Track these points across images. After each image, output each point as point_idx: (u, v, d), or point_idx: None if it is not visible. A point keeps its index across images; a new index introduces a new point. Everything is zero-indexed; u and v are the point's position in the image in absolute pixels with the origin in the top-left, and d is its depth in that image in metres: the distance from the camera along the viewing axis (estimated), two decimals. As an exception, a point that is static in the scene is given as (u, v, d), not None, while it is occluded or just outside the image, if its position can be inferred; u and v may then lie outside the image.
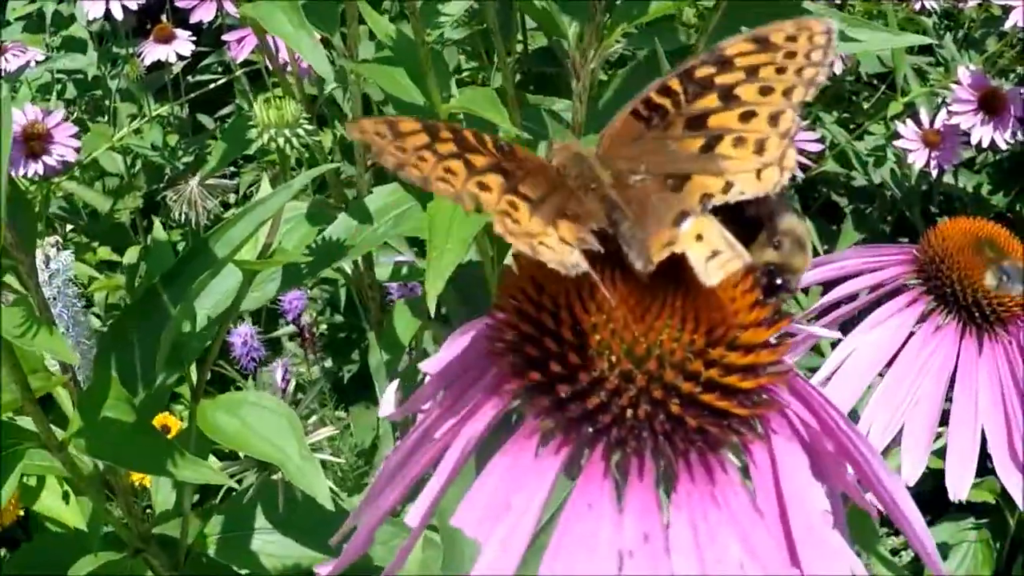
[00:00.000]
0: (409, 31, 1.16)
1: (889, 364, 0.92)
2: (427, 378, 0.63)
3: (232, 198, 2.50)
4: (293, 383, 1.25)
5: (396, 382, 0.67)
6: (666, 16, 1.23)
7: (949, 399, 0.92)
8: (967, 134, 2.13)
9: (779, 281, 0.55)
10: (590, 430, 0.51)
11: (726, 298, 0.53)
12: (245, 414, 1.02)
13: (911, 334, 0.94)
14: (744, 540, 0.50)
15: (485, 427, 0.54)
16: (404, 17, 2.21)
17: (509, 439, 0.52)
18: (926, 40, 1.46)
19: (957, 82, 2.15)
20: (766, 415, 0.54)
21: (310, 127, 1.02)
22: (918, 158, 2.18)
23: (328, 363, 2.42)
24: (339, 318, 2.46)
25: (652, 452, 0.51)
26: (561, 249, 0.53)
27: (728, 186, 0.54)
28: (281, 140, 1.01)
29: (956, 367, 0.92)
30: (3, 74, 2.38)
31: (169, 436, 1.47)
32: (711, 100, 0.57)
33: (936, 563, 0.55)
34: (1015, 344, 0.94)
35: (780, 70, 0.56)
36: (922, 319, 0.95)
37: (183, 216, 2.11)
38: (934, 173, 2.20)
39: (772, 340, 0.54)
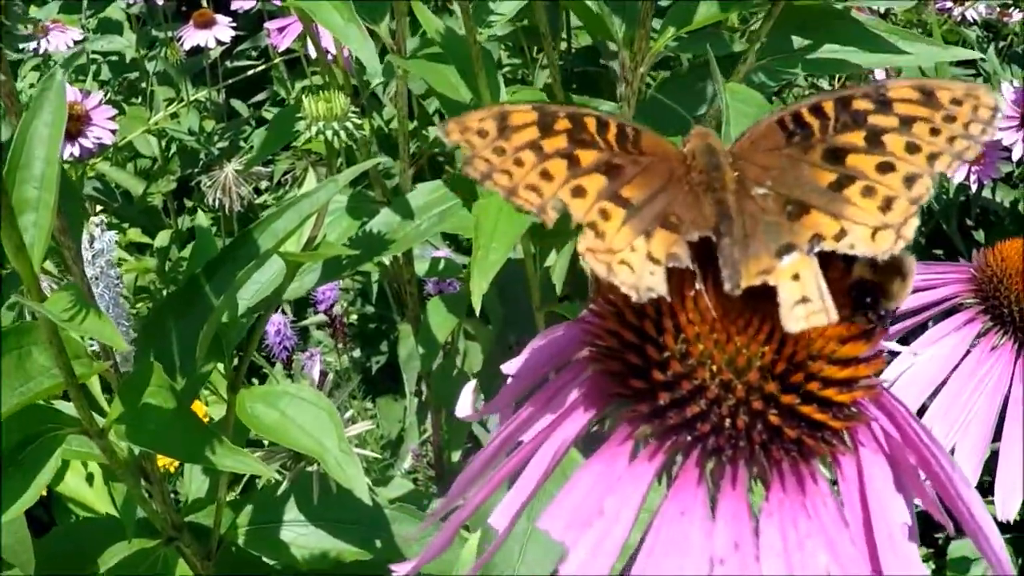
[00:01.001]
0: (457, 27, 1.16)
1: (945, 382, 0.92)
2: (508, 380, 0.63)
3: (264, 185, 2.50)
4: (331, 376, 1.25)
5: (473, 383, 0.67)
6: (714, 22, 1.22)
7: (1003, 418, 0.91)
8: (1008, 150, 2.12)
9: (868, 299, 0.54)
10: (688, 438, 0.51)
11: None
12: (285, 406, 1.02)
13: (967, 352, 0.93)
14: (831, 549, 0.50)
15: (579, 431, 0.54)
16: (447, 10, 2.21)
17: (602, 445, 0.52)
18: (974, 55, 1.45)
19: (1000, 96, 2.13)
20: (854, 428, 0.54)
21: (358, 120, 1.02)
22: (957, 172, 2.17)
23: (357, 353, 2.42)
24: (370, 309, 2.46)
25: (746, 461, 0.52)
26: (641, 269, 0.53)
27: (841, 234, 0.52)
28: (330, 133, 1.01)
29: (1010, 387, 0.92)
30: (46, 53, 2.39)
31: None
32: (857, 137, 0.55)
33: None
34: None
35: (934, 131, 0.54)
36: (978, 338, 0.95)
37: (216, 201, 2.12)
38: (973, 187, 2.19)
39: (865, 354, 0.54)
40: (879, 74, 2.29)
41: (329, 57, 1.43)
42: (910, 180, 0.53)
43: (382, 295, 2.37)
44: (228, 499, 1.21)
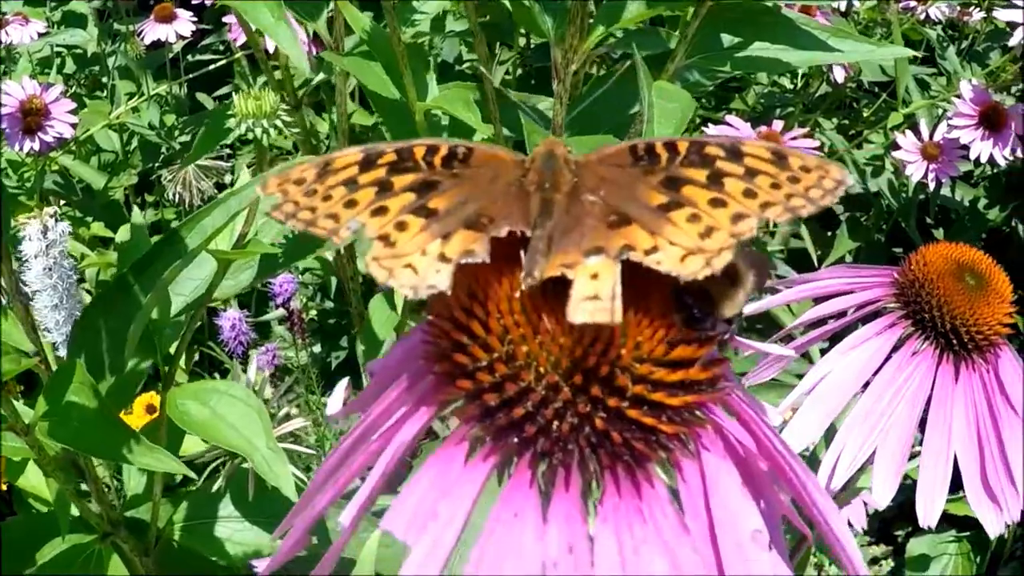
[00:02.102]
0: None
1: (866, 386, 0.92)
2: (371, 379, 0.64)
3: (228, 179, 2.50)
4: (266, 372, 1.25)
5: (345, 380, 0.68)
6: (653, 19, 1.22)
7: (923, 424, 0.91)
8: (966, 148, 2.13)
9: (696, 312, 0.54)
10: (515, 440, 0.52)
11: (658, 315, 0.53)
12: (215, 403, 1.03)
13: (888, 357, 0.93)
14: (670, 555, 0.50)
15: (416, 432, 0.54)
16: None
17: (439, 446, 0.52)
18: (905, 52, 1.44)
19: (959, 96, 2.14)
20: (698, 432, 0.54)
21: (288, 118, 1.02)
22: (916, 170, 2.18)
23: (317, 348, 2.42)
24: (329, 304, 2.47)
25: (578, 464, 0.52)
26: (427, 269, 0.54)
27: (652, 250, 0.53)
28: (258, 131, 1.01)
29: (931, 393, 0.92)
30: (9, 46, 2.39)
31: (153, 417, 1.48)
32: (700, 174, 0.56)
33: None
34: (992, 372, 0.93)
35: (775, 186, 0.55)
36: (900, 343, 0.95)
37: (177, 196, 2.12)
38: (932, 186, 2.20)
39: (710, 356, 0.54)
40: (837, 71, 2.30)
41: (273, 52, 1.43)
42: (737, 218, 0.53)
43: (341, 290, 2.37)
44: (165, 496, 1.21)
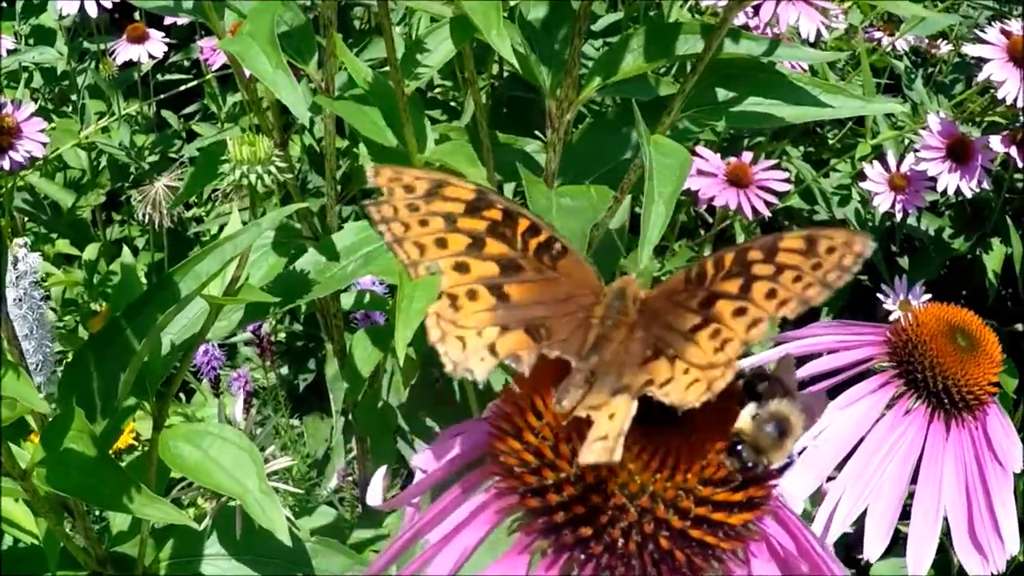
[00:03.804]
0: (381, 50, 1.16)
1: (858, 445, 0.93)
2: (417, 473, 0.64)
3: (193, 199, 2.49)
4: (254, 410, 1.25)
5: (384, 469, 0.68)
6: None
7: (914, 481, 0.93)
8: (934, 180, 2.15)
9: (744, 454, 0.55)
10: (582, 556, 0.53)
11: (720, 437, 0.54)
12: (207, 446, 1.03)
13: (881, 416, 0.95)
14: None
15: (479, 540, 0.56)
16: (379, 31, 2.21)
17: (502, 553, 0.53)
18: (897, 107, 1.47)
19: (927, 128, 2.16)
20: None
21: (283, 164, 1.02)
22: (884, 201, 2.20)
23: (284, 371, 2.42)
24: (298, 327, 2.46)
25: None
26: (474, 353, 0.56)
27: (667, 382, 0.54)
28: (253, 177, 1.01)
29: (923, 451, 0.93)
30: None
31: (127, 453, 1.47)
32: (735, 285, 0.57)
33: None
34: (980, 429, 0.95)
35: (797, 279, 0.55)
36: (893, 401, 0.96)
37: (147, 217, 2.11)
38: (899, 216, 2.22)
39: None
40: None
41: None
42: (753, 324, 0.55)
43: (311, 314, 2.37)
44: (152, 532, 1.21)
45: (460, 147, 1.13)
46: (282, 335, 2.43)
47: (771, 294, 0.55)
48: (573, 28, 1.13)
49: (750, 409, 0.56)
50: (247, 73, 1.27)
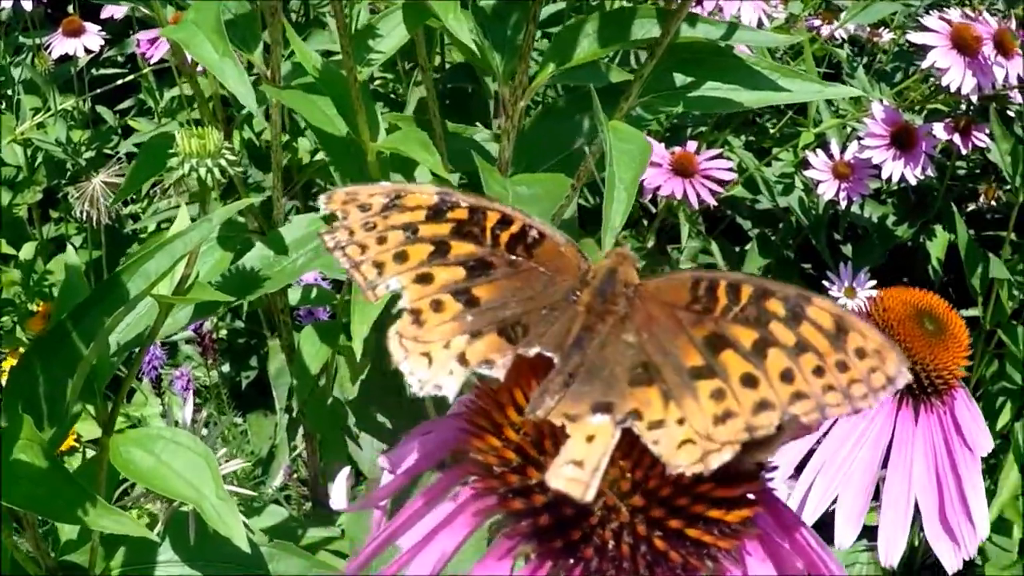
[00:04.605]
0: (330, 42, 1.14)
1: (826, 434, 0.92)
2: (384, 474, 0.61)
3: (131, 195, 2.45)
4: (202, 414, 1.22)
5: (347, 470, 0.65)
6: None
7: (885, 467, 0.92)
8: (878, 168, 2.15)
9: None
10: (570, 560, 0.50)
11: None
12: (160, 450, 1.00)
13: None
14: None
15: (458, 544, 0.53)
16: (319, 23, 2.18)
17: (483, 558, 0.50)
18: (855, 91, 1.46)
19: (870, 116, 2.16)
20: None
21: (233, 156, 0.99)
22: (828, 189, 2.19)
23: (226, 368, 2.39)
24: (239, 324, 2.43)
25: None
26: (441, 367, 0.53)
27: (656, 424, 0.50)
28: (203, 171, 0.98)
29: (892, 437, 0.92)
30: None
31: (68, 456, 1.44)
32: (747, 336, 0.52)
33: None
34: (948, 414, 0.94)
35: (818, 371, 0.50)
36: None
37: (84, 214, 2.07)
38: (843, 204, 2.22)
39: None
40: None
41: (200, 69, 1.40)
42: (761, 407, 0.50)
43: (252, 311, 2.34)
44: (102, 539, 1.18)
45: (413, 134, 1.10)
46: (223, 332, 2.39)
47: (787, 376, 0.50)
48: (527, 13, 1.11)
49: None
50: (190, 62, 1.24)
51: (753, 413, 0.49)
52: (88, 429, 1.67)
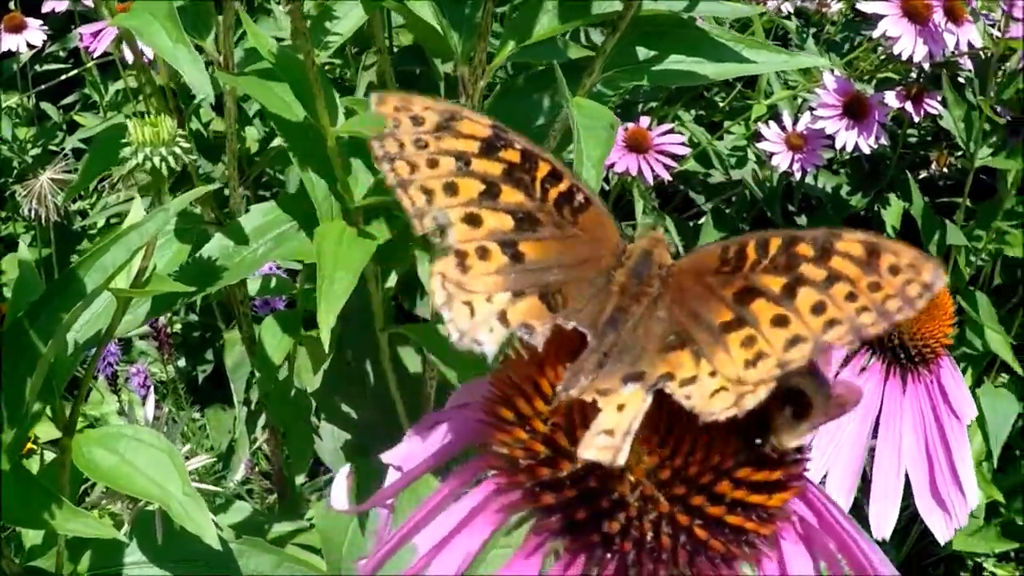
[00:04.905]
0: (276, 29, 1.11)
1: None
2: (390, 471, 0.59)
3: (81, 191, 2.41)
4: (165, 411, 1.19)
5: (348, 467, 0.62)
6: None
7: (874, 437, 0.91)
8: (831, 138, 2.14)
9: (756, 438, 0.50)
10: (607, 555, 0.48)
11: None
12: (124, 449, 0.97)
13: (836, 375, 0.92)
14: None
15: (483, 542, 0.50)
16: (264, 10, 2.15)
17: (511, 557, 0.48)
18: (819, 61, 1.45)
19: (822, 87, 2.15)
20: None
21: (187, 144, 0.97)
22: (782, 160, 2.19)
23: (182, 363, 2.36)
24: (194, 317, 2.40)
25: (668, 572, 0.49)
26: (482, 321, 0.51)
27: (689, 381, 0.49)
28: (157, 160, 0.95)
29: (881, 409, 0.91)
30: None
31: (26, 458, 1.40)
32: (777, 282, 0.51)
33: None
34: (935, 382, 0.94)
35: (851, 296, 0.49)
36: (847, 360, 0.94)
37: (32, 212, 2.04)
38: (797, 175, 2.21)
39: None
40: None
41: (146, 60, 1.36)
42: (793, 342, 0.49)
43: (206, 304, 2.31)
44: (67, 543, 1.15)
45: (374, 118, 1.07)
46: (178, 327, 2.37)
47: (819, 308, 0.49)
48: (486, -12, 1.09)
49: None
50: (139, 51, 1.21)
51: (785, 349, 0.49)
52: (45, 431, 1.64)
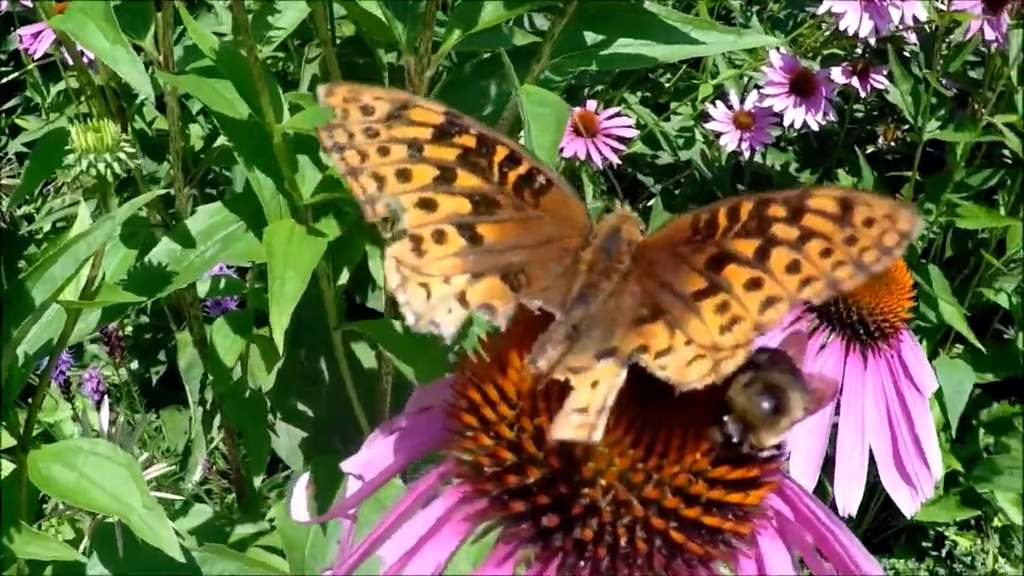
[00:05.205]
0: (215, 25, 1.09)
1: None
2: (350, 480, 0.57)
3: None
4: (121, 420, 1.18)
5: (306, 477, 0.61)
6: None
7: (836, 415, 0.90)
8: (779, 115, 2.14)
9: (729, 427, 0.49)
10: (580, 562, 0.47)
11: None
12: (81, 464, 0.95)
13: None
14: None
15: (451, 552, 0.49)
16: (204, 5, 2.12)
17: (480, 567, 0.47)
18: (769, 40, 1.45)
19: (769, 64, 2.15)
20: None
21: (131, 149, 0.95)
22: (730, 140, 2.19)
23: (135, 365, 2.34)
24: (145, 319, 2.38)
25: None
26: (440, 303, 0.50)
27: (664, 352, 0.48)
28: (102, 166, 0.93)
29: (842, 385, 0.91)
30: None
31: None
32: (749, 246, 0.50)
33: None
34: (896, 357, 0.93)
35: (825, 252, 0.48)
36: (807, 338, 0.93)
37: (-26, 220, 2.01)
38: (746, 154, 2.21)
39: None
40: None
41: (86, 60, 1.34)
42: (768, 303, 0.48)
43: (159, 309, 2.29)
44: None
45: (320, 113, 1.06)
46: (129, 329, 2.34)
47: (793, 267, 0.49)
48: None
49: (744, 377, 0.49)
50: (81, 51, 1.19)
51: (760, 311, 0.48)
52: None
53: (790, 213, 0.50)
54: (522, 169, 0.55)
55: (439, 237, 0.52)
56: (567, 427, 0.45)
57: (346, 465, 0.57)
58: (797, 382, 0.50)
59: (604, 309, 0.51)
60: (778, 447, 0.50)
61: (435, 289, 0.51)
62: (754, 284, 0.49)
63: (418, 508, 0.51)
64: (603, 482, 0.47)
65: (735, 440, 0.48)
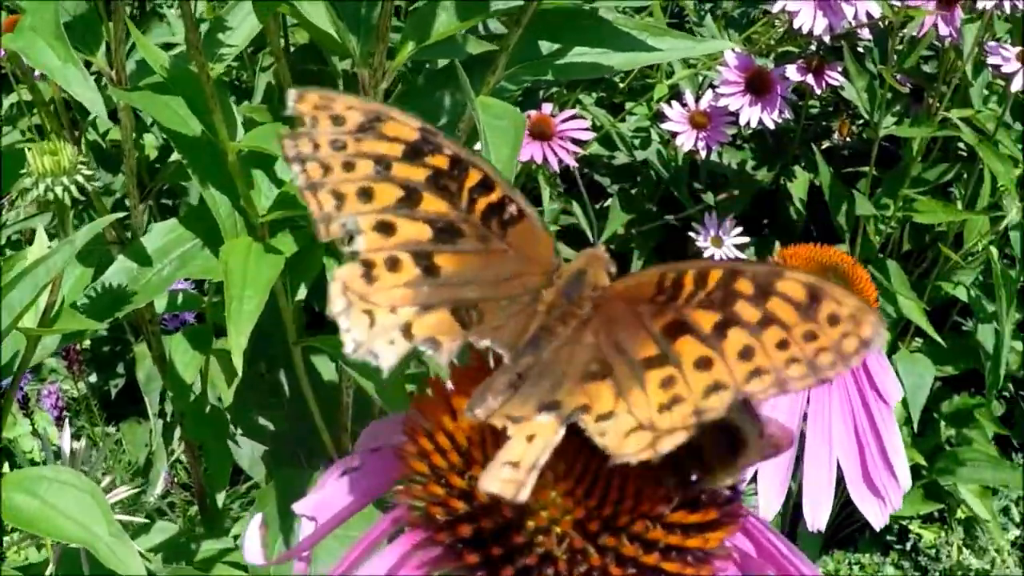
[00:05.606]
0: (168, 35, 1.09)
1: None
2: (303, 522, 0.56)
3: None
4: (84, 442, 1.16)
5: (260, 517, 0.59)
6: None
7: (803, 431, 0.90)
8: (735, 114, 2.15)
9: (686, 468, 0.48)
10: None
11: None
12: (45, 492, 0.94)
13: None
14: None
15: None
16: (156, 15, 2.11)
17: None
18: (726, 44, 1.45)
19: (724, 64, 2.15)
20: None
21: (89, 171, 0.94)
22: (687, 140, 2.19)
23: (93, 378, 2.32)
24: (103, 332, 2.36)
25: None
26: (382, 333, 0.48)
27: (605, 416, 0.46)
28: (59, 190, 0.92)
29: (809, 398, 0.90)
30: None
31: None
32: (709, 320, 0.48)
33: None
34: (861, 367, 0.92)
35: (781, 344, 0.46)
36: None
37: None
38: (703, 153, 2.21)
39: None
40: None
41: (36, 74, 1.33)
42: (713, 388, 0.46)
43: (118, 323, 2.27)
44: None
45: (272, 128, 1.05)
46: (87, 342, 2.32)
47: (746, 354, 0.47)
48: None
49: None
50: (26, 66, 1.18)
51: (704, 396, 0.46)
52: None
53: (757, 291, 0.48)
54: (493, 197, 0.53)
55: (392, 264, 0.51)
56: (495, 480, 0.44)
57: (298, 507, 0.55)
58: (755, 425, 0.49)
59: (556, 357, 0.49)
60: (733, 488, 0.50)
61: (379, 318, 0.49)
62: (704, 364, 0.47)
63: (371, 553, 0.50)
64: (558, 530, 0.46)
65: (692, 480, 0.47)
